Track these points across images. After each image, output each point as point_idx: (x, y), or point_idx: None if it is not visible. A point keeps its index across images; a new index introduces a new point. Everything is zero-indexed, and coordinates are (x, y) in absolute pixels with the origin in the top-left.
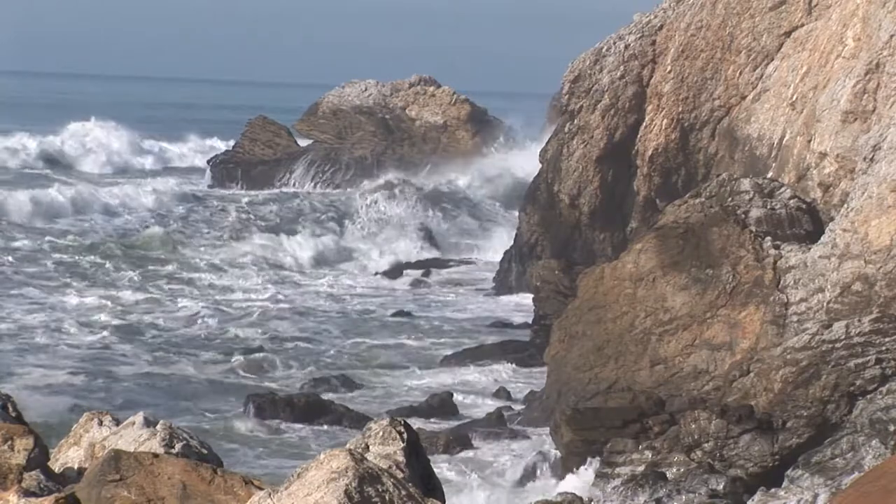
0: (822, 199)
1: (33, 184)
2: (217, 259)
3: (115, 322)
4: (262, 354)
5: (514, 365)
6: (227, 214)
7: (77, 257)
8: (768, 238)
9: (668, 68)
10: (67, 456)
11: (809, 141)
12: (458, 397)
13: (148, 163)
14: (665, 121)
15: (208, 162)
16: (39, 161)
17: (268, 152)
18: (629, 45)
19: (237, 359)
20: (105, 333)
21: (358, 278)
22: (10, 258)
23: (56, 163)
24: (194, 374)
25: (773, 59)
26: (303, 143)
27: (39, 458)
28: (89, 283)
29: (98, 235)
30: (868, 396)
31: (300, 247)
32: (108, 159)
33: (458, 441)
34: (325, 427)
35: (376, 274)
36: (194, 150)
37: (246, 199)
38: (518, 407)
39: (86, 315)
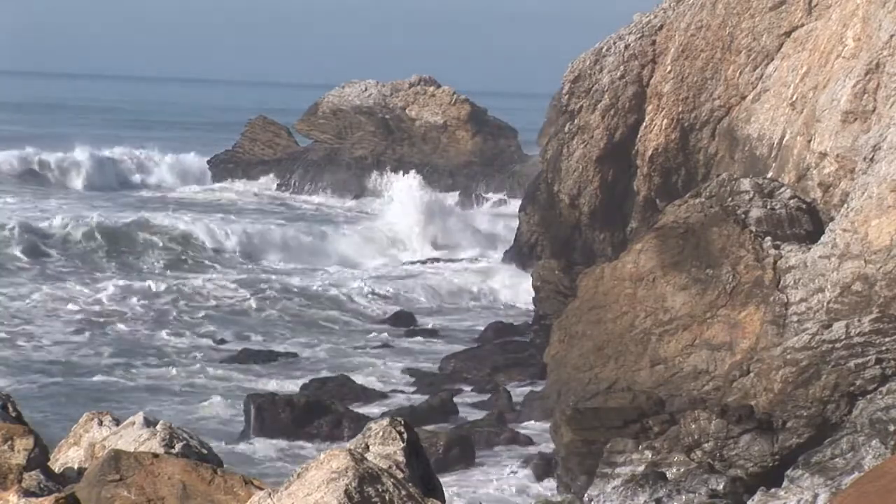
0: (822, 199)
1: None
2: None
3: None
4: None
5: (513, 365)
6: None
7: None
8: (768, 238)
9: (668, 68)
10: (67, 456)
11: (809, 141)
12: (458, 397)
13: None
14: (665, 121)
15: (208, 162)
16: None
17: (268, 152)
18: (629, 45)
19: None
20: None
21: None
22: None
23: None
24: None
25: (773, 59)
26: (303, 143)
27: (39, 458)
28: None
29: None
30: (868, 396)
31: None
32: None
33: (457, 441)
34: (325, 428)
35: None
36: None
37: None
38: (518, 407)
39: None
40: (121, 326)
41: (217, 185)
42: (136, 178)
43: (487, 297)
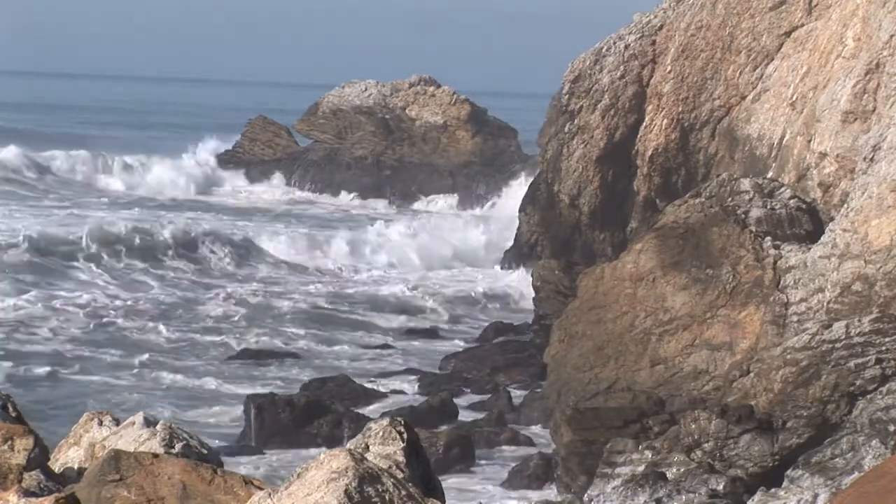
0: (822, 199)
1: None
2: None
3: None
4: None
5: (513, 365)
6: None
7: None
8: (768, 238)
9: (668, 68)
10: (67, 456)
11: (809, 141)
12: (458, 397)
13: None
14: (665, 121)
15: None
16: None
17: (268, 152)
18: (629, 45)
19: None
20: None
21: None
22: None
23: None
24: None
25: (773, 59)
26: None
27: (39, 458)
28: None
29: None
30: (868, 396)
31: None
32: None
33: (458, 441)
34: (325, 428)
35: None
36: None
37: None
38: (518, 407)
39: None
40: (125, 326)
41: (227, 187)
42: (144, 180)
43: (488, 297)
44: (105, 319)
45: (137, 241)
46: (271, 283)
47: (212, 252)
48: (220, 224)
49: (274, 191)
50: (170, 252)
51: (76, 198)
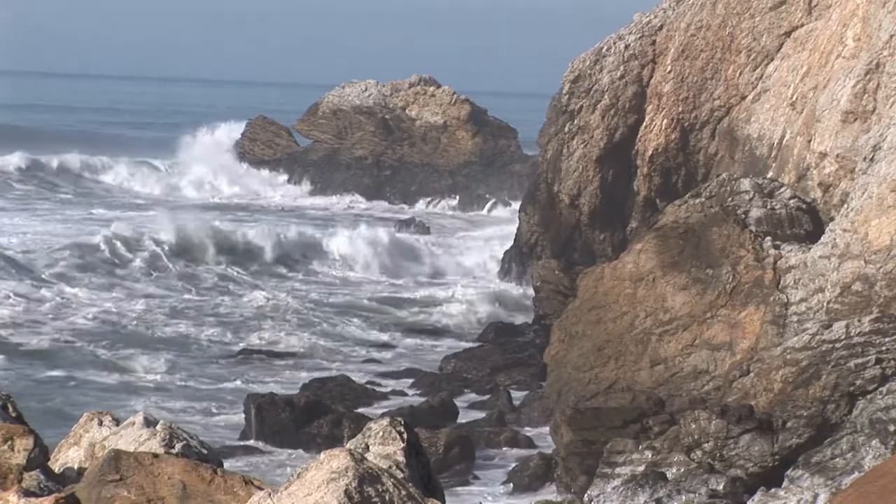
0: (822, 199)
1: None
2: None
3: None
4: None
5: (513, 365)
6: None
7: None
8: (768, 238)
9: (668, 68)
10: (67, 456)
11: (809, 141)
12: (458, 397)
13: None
14: (665, 121)
15: None
16: None
17: (268, 152)
18: (629, 45)
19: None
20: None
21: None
22: None
23: None
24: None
25: (773, 59)
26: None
27: (39, 458)
28: None
29: None
30: (868, 396)
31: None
32: None
33: (458, 441)
34: (325, 428)
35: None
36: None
37: None
38: (518, 407)
39: None
40: (129, 325)
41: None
42: (175, 182)
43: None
44: (108, 318)
45: (155, 241)
46: (288, 283)
47: (229, 252)
48: (240, 224)
49: (291, 190)
50: (186, 252)
51: (112, 201)
